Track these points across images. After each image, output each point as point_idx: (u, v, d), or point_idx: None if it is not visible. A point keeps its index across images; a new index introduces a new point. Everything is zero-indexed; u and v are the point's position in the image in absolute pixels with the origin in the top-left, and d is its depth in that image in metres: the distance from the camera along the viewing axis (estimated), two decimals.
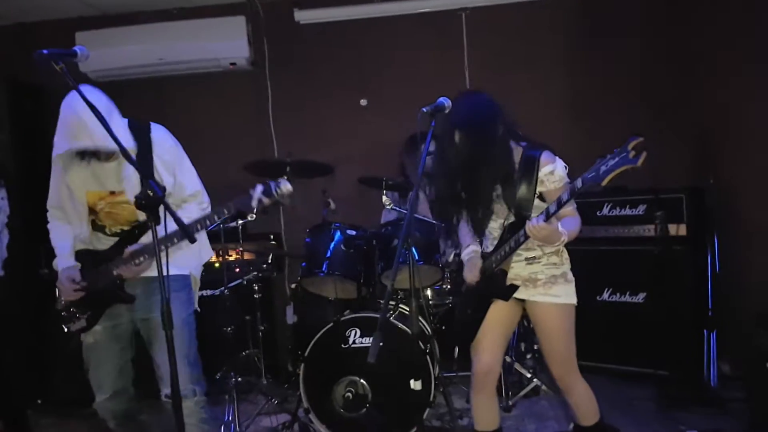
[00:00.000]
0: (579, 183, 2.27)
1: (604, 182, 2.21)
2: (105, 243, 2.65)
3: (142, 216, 2.55)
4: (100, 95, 2.46)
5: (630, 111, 4.62)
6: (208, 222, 2.50)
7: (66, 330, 2.64)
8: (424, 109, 2.43)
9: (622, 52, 4.75)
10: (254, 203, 2.43)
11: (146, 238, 2.57)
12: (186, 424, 2.53)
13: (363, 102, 5.13)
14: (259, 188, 2.44)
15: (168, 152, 2.66)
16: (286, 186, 2.46)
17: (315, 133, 5.05)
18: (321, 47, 5.10)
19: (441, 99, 2.47)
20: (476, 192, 2.57)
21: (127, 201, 2.56)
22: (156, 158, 2.60)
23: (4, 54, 4.91)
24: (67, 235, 2.68)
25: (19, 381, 3.94)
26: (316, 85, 5.14)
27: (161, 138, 2.66)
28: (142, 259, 2.53)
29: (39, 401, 4.37)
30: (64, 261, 2.63)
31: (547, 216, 2.35)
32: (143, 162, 2.56)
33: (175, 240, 2.42)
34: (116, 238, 2.63)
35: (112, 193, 2.60)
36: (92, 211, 2.62)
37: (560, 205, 2.34)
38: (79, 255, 2.66)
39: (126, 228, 2.63)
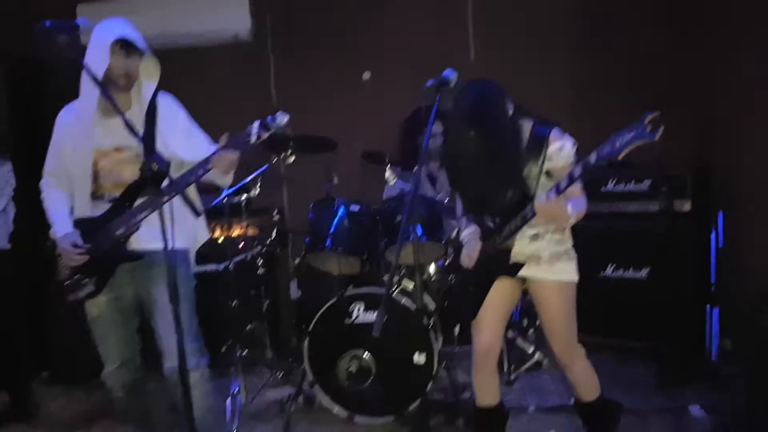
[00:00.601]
0: (593, 158, 2.20)
1: (620, 156, 2.14)
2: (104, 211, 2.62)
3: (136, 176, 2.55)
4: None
5: (634, 89, 4.58)
6: (200, 172, 2.45)
7: (73, 299, 2.62)
8: (429, 83, 2.41)
9: (629, 29, 4.69)
10: (253, 139, 2.45)
11: (141, 200, 2.56)
12: (194, 395, 2.57)
13: (366, 75, 5.08)
14: (256, 123, 2.48)
15: (173, 116, 2.69)
16: (282, 117, 2.49)
17: (318, 107, 5.01)
18: (324, 19, 5.04)
19: (446, 72, 2.44)
20: (486, 191, 2.52)
21: (132, 158, 2.57)
22: (162, 123, 2.61)
23: (2, 27, 4.86)
24: (63, 202, 2.67)
25: (25, 353, 3.97)
26: (318, 58, 5.09)
27: (168, 103, 2.69)
28: (143, 215, 2.52)
29: (45, 373, 4.43)
30: (63, 227, 2.61)
31: (558, 191, 2.30)
32: (149, 132, 2.58)
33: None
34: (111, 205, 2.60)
35: (117, 149, 2.59)
36: (93, 175, 2.59)
37: (572, 180, 2.27)
38: (77, 223, 2.63)
39: (123, 193, 2.59)
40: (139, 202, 2.56)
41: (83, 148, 2.58)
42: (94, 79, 2.25)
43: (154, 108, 2.64)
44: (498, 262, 2.60)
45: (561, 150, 2.44)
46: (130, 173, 2.58)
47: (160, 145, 2.59)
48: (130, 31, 2.52)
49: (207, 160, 2.46)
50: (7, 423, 3.69)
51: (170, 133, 2.65)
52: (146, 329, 2.77)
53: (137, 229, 2.54)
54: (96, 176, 2.60)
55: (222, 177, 2.59)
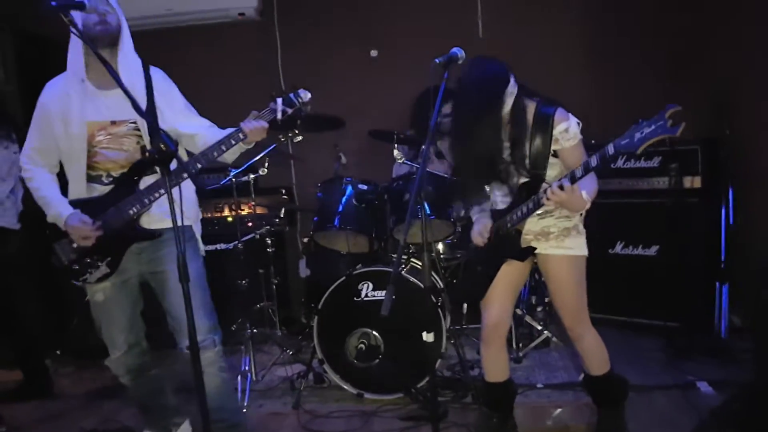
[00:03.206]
0: (611, 149, 2.15)
1: (639, 150, 2.10)
2: (101, 193, 2.55)
3: (138, 155, 2.53)
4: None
5: (644, 62, 4.54)
6: (232, 141, 2.50)
7: (82, 282, 2.56)
8: (437, 60, 2.38)
9: (639, 2, 4.63)
10: (279, 114, 2.53)
11: (144, 184, 2.52)
12: (206, 373, 2.57)
13: (373, 53, 5.06)
14: (280, 100, 2.53)
15: (169, 90, 2.66)
16: (305, 93, 2.59)
17: (325, 86, 4.96)
18: None
19: (454, 49, 2.41)
20: (485, 154, 2.51)
21: (132, 132, 2.52)
22: (158, 97, 2.57)
23: (9, 4, 4.85)
24: (53, 182, 2.59)
25: (38, 332, 4.01)
26: (325, 36, 5.06)
27: (161, 78, 2.64)
28: (157, 195, 2.49)
29: (58, 352, 4.48)
30: (65, 207, 2.50)
31: (573, 180, 2.26)
32: (150, 106, 2.53)
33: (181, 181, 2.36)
34: (113, 186, 2.54)
35: (113, 123, 2.52)
36: (89, 151, 2.51)
37: (587, 170, 2.24)
38: (76, 205, 2.52)
39: (124, 171, 2.53)
40: (148, 180, 2.52)
41: (76, 121, 2.49)
42: (78, 31, 2.16)
43: (150, 81, 2.57)
44: (508, 245, 2.58)
45: (567, 131, 2.43)
46: (130, 147, 2.53)
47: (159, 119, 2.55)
48: None
49: (239, 130, 2.50)
50: (21, 400, 3.74)
51: (168, 106, 2.61)
52: (147, 311, 2.77)
53: (149, 207, 2.51)
54: (91, 152, 2.52)
55: (237, 151, 2.60)
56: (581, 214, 2.60)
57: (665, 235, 3.97)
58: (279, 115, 2.54)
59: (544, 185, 2.41)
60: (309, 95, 2.61)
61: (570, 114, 2.46)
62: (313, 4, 5.04)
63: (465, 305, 4.06)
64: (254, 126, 2.50)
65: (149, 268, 2.64)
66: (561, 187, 2.26)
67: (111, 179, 2.54)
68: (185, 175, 2.34)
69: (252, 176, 3.87)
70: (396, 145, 3.70)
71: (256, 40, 5.13)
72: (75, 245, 2.52)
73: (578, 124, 2.46)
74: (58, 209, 2.50)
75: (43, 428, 3.46)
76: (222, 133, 2.56)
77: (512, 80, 2.48)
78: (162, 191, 2.48)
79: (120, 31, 2.50)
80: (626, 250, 4.18)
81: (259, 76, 5.11)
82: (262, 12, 4.99)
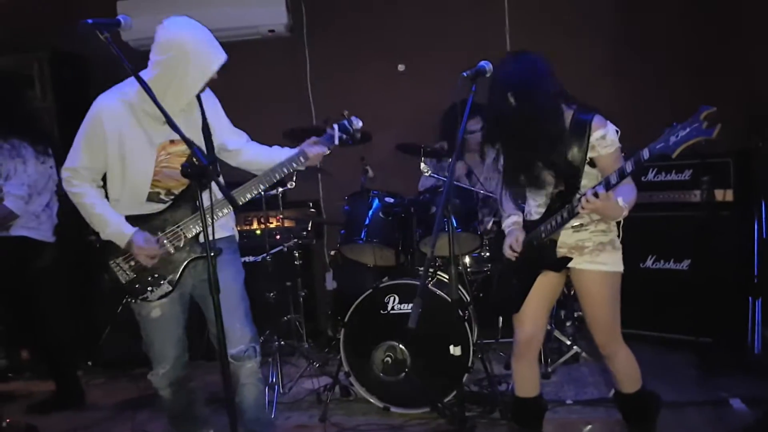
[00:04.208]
0: (646, 154, 2.13)
1: (675, 154, 2.07)
2: (155, 209, 2.55)
3: None
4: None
5: (674, 74, 4.50)
6: (294, 165, 2.68)
7: (141, 301, 2.53)
8: (465, 74, 2.39)
9: (668, 13, 4.59)
10: (336, 141, 2.77)
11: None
12: (246, 384, 2.62)
13: (401, 67, 5.09)
14: (336, 126, 2.78)
15: (215, 107, 2.71)
16: (357, 121, 2.85)
17: (353, 100, 5.02)
18: (358, 11, 5.06)
19: (482, 63, 2.42)
20: (523, 155, 2.47)
21: (186, 151, 2.50)
22: (209, 114, 2.61)
23: (46, 24, 4.99)
24: (105, 199, 2.53)
25: (70, 343, 4.08)
26: (353, 51, 5.11)
27: (209, 95, 2.66)
28: (219, 213, 2.49)
29: (89, 363, 4.55)
30: (127, 226, 2.45)
31: (608, 187, 2.23)
32: (205, 126, 2.59)
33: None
34: (171, 203, 2.55)
35: (172, 142, 2.51)
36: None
37: (623, 176, 2.21)
38: (132, 221, 2.49)
39: (184, 189, 2.54)
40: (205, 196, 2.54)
41: (144, 141, 2.47)
42: (115, 50, 2.13)
43: (200, 99, 2.58)
44: (543, 255, 2.54)
45: (604, 138, 2.39)
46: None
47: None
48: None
49: (302, 153, 2.68)
50: (53, 411, 3.80)
51: (217, 123, 2.66)
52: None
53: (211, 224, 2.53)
54: (157, 172, 2.52)
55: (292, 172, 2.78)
56: (618, 229, 2.55)
57: (697, 249, 3.91)
58: (336, 141, 2.75)
59: (579, 194, 2.37)
60: (360, 123, 2.85)
61: (608, 121, 2.42)
62: (341, 19, 5.10)
63: (500, 319, 4.02)
64: (317, 151, 2.70)
65: (199, 278, 2.61)
66: (596, 195, 2.23)
67: (171, 196, 2.57)
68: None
69: (280, 190, 3.91)
70: (423, 158, 3.72)
71: (286, 56, 5.19)
72: (133, 263, 2.50)
73: (617, 132, 2.42)
74: (119, 227, 2.46)
75: None
76: (263, 149, 2.74)
77: (554, 78, 2.45)
78: (223, 208, 2.50)
79: None
80: (657, 264, 4.13)
81: (289, 91, 5.17)
82: (292, 28, 5.06)
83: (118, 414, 3.75)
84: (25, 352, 4.59)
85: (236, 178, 2.71)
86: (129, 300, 2.58)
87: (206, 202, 2.04)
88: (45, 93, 4.66)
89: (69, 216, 2.98)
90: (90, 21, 2.11)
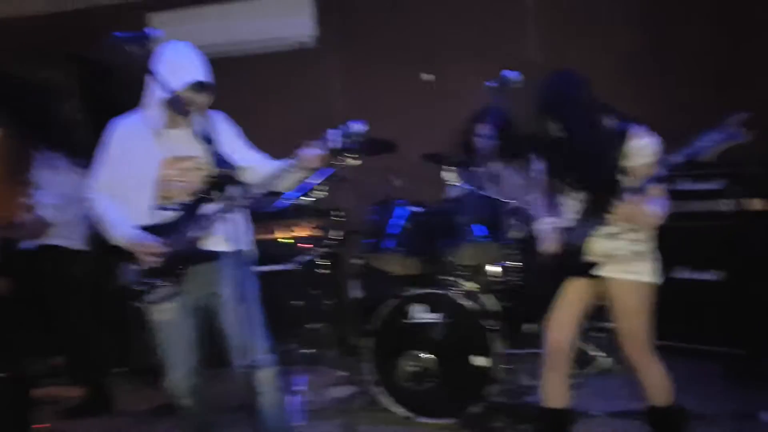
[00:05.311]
0: (678, 158, 2.14)
1: (707, 158, 2.09)
2: (166, 219, 2.65)
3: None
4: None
5: (703, 84, 4.44)
6: (290, 167, 2.66)
7: (146, 303, 2.63)
8: (489, 84, 2.39)
9: (696, 20, 4.53)
10: (330, 143, 2.68)
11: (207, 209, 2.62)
12: (263, 393, 2.65)
13: (426, 77, 5.09)
14: (330, 131, 2.70)
15: (231, 129, 2.80)
16: (356, 126, 2.72)
17: (378, 110, 5.03)
18: (384, 22, 5.08)
19: (506, 72, 2.42)
20: (564, 172, 2.50)
21: (199, 166, 2.62)
22: (222, 136, 2.67)
23: (76, 35, 5.09)
24: (116, 207, 2.68)
25: (100, 350, 4.14)
26: (379, 61, 5.13)
27: (223, 118, 2.78)
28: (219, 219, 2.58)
29: (118, 369, 4.61)
30: (130, 227, 2.61)
31: (639, 192, 2.24)
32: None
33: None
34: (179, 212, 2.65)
35: (185, 158, 2.64)
36: (161, 183, 2.64)
37: (658, 180, 2.22)
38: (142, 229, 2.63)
39: (192, 199, 2.64)
40: (211, 206, 2.61)
41: (149, 158, 2.63)
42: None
43: (212, 122, 2.69)
44: (573, 261, 2.53)
45: (644, 148, 2.37)
46: (198, 180, 2.64)
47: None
48: (204, 71, 2.60)
49: (297, 156, 2.65)
50: (82, 416, 3.86)
51: (229, 144, 2.71)
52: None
53: (210, 231, 2.60)
54: (162, 184, 2.64)
55: (293, 179, 2.75)
56: (653, 239, 2.54)
57: (728, 259, 3.83)
58: (332, 144, 2.69)
59: (613, 201, 2.36)
60: (361, 128, 2.73)
61: (647, 131, 2.41)
62: (368, 30, 5.13)
63: (523, 326, 3.98)
64: (310, 153, 2.65)
65: (207, 290, 2.70)
66: (628, 200, 2.22)
67: (180, 205, 2.65)
68: (243, 202, 2.48)
69: (306, 199, 3.93)
70: (447, 168, 3.71)
71: (313, 67, 5.23)
72: (140, 267, 2.60)
73: (656, 142, 2.40)
74: (124, 230, 2.61)
75: None
76: (275, 164, 2.73)
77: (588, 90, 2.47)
78: (224, 215, 2.56)
79: None
80: (688, 274, 4.05)
81: (316, 102, 5.20)
82: (320, 39, 5.10)
83: (145, 421, 3.79)
84: (58, 359, 4.67)
85: None
86: (136, 302, 2.66)
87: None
88: (77, 105, 4.75)
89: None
90: (119, 34, 2.17)
